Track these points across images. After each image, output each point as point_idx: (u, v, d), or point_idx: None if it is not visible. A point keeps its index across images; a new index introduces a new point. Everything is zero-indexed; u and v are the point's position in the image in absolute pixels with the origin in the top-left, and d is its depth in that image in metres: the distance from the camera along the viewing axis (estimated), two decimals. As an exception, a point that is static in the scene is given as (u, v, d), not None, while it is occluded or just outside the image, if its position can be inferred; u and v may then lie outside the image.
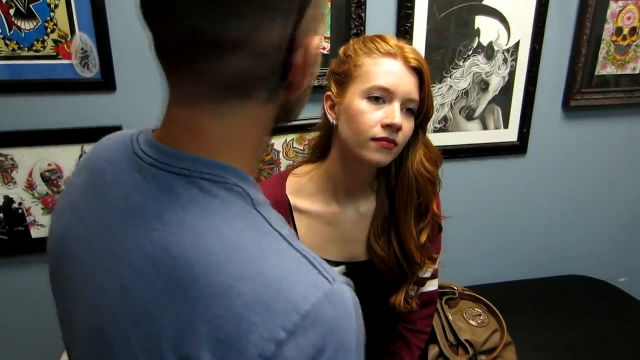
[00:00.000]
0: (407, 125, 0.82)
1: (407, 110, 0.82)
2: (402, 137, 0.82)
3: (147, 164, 0.43)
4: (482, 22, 1.39)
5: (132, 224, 0.42)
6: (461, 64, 1.41)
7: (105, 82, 1.25)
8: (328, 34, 1.31)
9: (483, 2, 1.37)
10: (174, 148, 0.43)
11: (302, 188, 0.93)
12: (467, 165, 1.55)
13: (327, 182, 0.91)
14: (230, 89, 0.40)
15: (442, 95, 1.43)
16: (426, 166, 0.88)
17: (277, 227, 0.41)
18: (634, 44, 1.48)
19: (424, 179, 0.88)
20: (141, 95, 1.28)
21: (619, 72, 1.51)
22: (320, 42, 0.43)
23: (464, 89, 1.44)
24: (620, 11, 1.44)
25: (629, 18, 1.45)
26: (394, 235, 0.91)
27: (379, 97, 0.80)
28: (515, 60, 1.44)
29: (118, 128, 1.27)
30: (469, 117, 1.48)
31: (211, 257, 0.38)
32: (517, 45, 1.43)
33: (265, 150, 1.37)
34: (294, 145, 1.41)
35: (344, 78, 0.84)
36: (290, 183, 0.93)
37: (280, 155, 1.41)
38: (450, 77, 1.42)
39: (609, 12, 1.43)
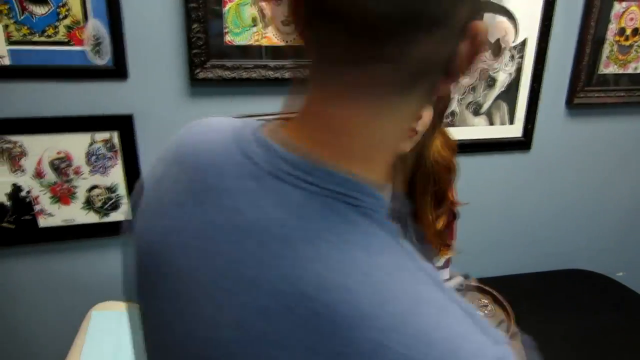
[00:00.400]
0: (427, 114, 0.83)
1: None
2: (421, 125, 0.83)
3: (266, 173, 0.36)
4: (490, 19, 1.41)
5: (249, 247, 0.35)
6: (470, 59, 1.43)
7: (118, 70, 1.24)
8: (341, 27, 1.32)
9: (492, -1, 1.39)
10: (300, 154, 0.36)
11: None
12: (472, 160, 1.57)
13: None
14: (410, 78, 0.34)
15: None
16: (443, 154, 0.89)
17: (426, 268, 0.35)
18: (636, 44, 1.52)
19: (441, 166, 0.89)
20: (153, 84, 1.27)
21: (621, 72, 1.55)
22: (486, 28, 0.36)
23: (471, 85, 1.46)
24: (623, 12, 1.48)
25: (631, 19, 1.49)
26: (411, 223, 0.92)
27: None
28: (522, 57, 1.47)
29: (129, 117, 1.27)
30: (476, 113, 1.50)
31: (358, 304, 0.31)
32: (524, 42, 1.45)
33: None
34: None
35: None
36: None
37: (290, 147, 1.42)
38: (458, 73, 1.44)
39: (612, 13, 1.47)
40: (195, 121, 0.49)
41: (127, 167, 1.32)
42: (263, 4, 1.26)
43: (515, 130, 1.55)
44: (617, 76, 1.56)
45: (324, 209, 0.34)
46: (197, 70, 1.26)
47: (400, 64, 0.33)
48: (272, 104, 1.36)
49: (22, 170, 1.27)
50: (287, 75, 1.32)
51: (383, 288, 0.32)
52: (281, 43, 1.31)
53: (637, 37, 1.51)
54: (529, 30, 1.44)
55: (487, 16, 1.40)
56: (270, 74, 1.31)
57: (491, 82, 1.47)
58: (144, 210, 0.46)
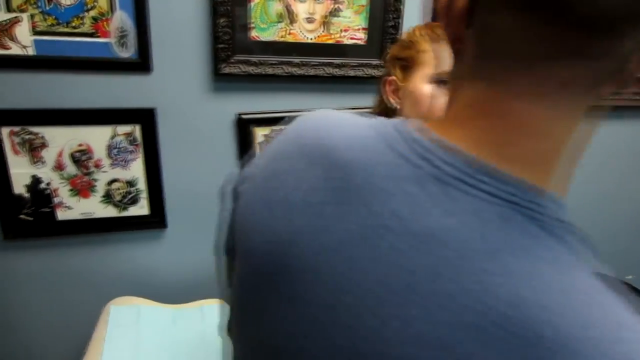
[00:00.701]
0: None
1: None
2: None
3: (429, 176, 0.34)
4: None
5: (424, 256, 0.32)
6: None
7: (142, 63, 1.23)
8: (365, 25, 1.32)
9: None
10: (467, 157, 0.34)
11: None
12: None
13: None
14: (606, 76, 0.32)
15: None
16: None
17: (615, 286, 0.32)
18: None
19: None
20: (177, 78, 1.27)
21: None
22: None
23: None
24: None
25: None
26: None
27: (446, 82, 0.82)
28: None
29: (151, 110, 1.26)
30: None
31: (561, 326, 0.28)
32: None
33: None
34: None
35: (409, 63, 0.85)
36: None
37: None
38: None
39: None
40: (311, 114, 0.46)
41: (147, 161, 1.31)
42: (290, 0, 1.26)
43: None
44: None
45: (501, 219, 0.32)
46: (222, 65, 1.26)
47: (604, 62, 0.31)
48: (296, 101, 1.36)
49: (43, 162, 1.25)
50: (312, 72, 1.32)
51: (584, 310, 0.29)
52: (307, 40, 1.31)
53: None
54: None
55: None
56: (295, 70, 1.31)
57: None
58: (255, 206, 0.43)
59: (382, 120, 0.41)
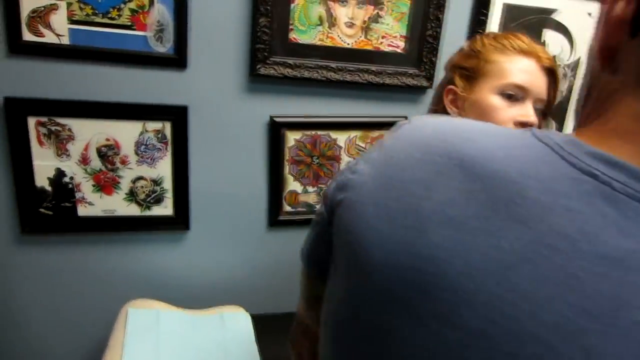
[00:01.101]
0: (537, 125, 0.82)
1: (535, 110, 0.82)
2: None
3: (624, 195, 0.31)
4: (549, 35, 1.42)
5: (612, 282, 0.30)
6: (525, 76, 1.44)
7: (178, 59, 1.20)
8: (405, 33, 1.31)
9: (552, 16, 1.40)
10: None
11: None
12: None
13: None
14: None
15: (503, 105, 1.45)
16: None
17: None
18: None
19: None
20: (212, 76, 1.24)
21: None
22: None
23: (524, 101, 1.46)
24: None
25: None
26: None
27: (513, 94, 0.80)
28: (574, 76, 1.47)
29: (184, 108, 1.23)
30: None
31: None
32: (577, 62, 1.46)
33: None
34: (357, 143, 1.39)
35: (472, 73, 0.83)
36: None
37: (342, 152, 1.39)
38: (513, 88, 1.44)
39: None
40: (427, 119, 0.43)
41: (176, 160, 1.27)
42: (331, 3, 1.24)
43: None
44: None
45: None
46: (259, 66, 1.23)
47: None
48: (331, 106, 1.34)
49: (68, 155, 1.21)
50: (348, 78, 1.29)
51: None
52: (345, 45, 1.28)
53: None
54: (585, 50, 1.45)
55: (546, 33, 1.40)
56: (332, 75, 1.29)
57: (543, 100, 1.48)
58: (369, 217, 0.39)
59: (517, 131, 0.38)
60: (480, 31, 1.34)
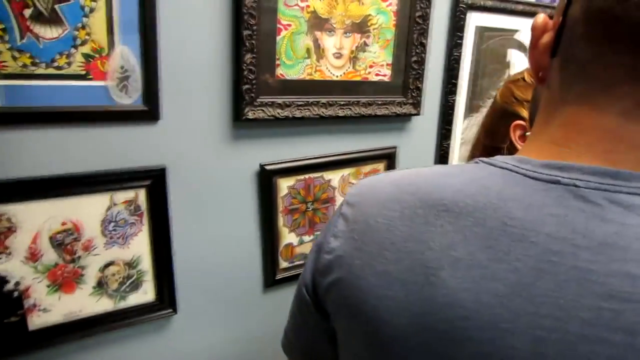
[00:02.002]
0: None
1: None
2: None
3: (592, 190, 0.36)
4: (513, 54, 1.45)
5: (619, 263, 0.33)
6: (494, 94, 1.45)
7: (148, 111, 0.96)
8: (390, 61, 1.22)
9: (514, 36, 1.43)
10: (607, 165, 0.37)
11: None
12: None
13: None
14: None
15: (478, 123, 1.45)
16: None
17: None
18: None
19: None
20: (191, 127, 1.02)
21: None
22: None
23: (494, 118, 1.48)
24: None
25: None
26: None
27: None
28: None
29: (160, 170, 1.00)
30: (496, 145, 1.52)
31: None
32: (534, 77, 1.53)
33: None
34: (350, 181, 1.27)
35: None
36: None
37: (336, 192, 1.26)
38: (486, 107, 1.45)
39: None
40: (388, 178, 0.48)
41: (154, 234, 1.03)
42: (318, 33, 1.10)
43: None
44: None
45: None
46: (247, 109, 1.05)
47: None
48: (323, 145, 1.20)
49: (9, 253, 0.90)
50: (340, 112, 1.17)
51: None
52: (334, 77, 1.16)
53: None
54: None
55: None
56: (324, 111, 1.15)
57: (509, 115, 1.51)
58: (369, 268, 0.42)
59: (469, 165, 0.44)
60: (457, 54, 1.32)
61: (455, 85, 1.35)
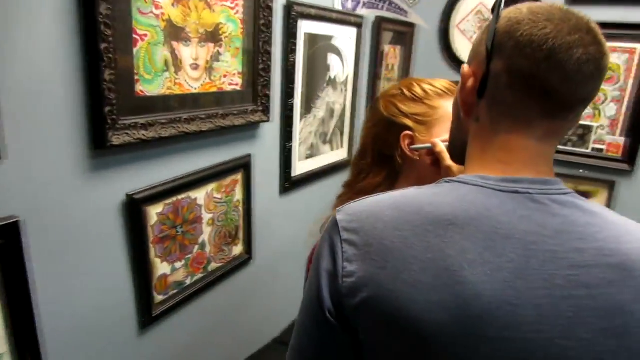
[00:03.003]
0: None
1: None
2: None
3: (540, 194, 0.51)
4: (332, 59, 1.59)
5: (583, 250, 0.48)
6: (321, 95, 1.58)
7: (-14, 150, 0.73)
8: (241, 70, 1.21)
9: (331, 42, 1.58)
10: (541, 176, 0.53)
11: None
12: (331, 182, 1.74)
13: None
14: (571, 125, 0.56)
15: (310, 124, 1.56)
16: None
17: None
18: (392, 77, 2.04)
19: None
20: (43, 164, 0.83)
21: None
22: None
23: (322, 117, 1.61)
24: (387, 53, 1.95)
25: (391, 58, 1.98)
26: None
27: None
28: (346, 90, 1.73)
29: (12, 225, 0.79)
30: (324, 142, 1.66)
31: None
32: (347, 79, 1.71)
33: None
34: (214, 196, 1.22)
35: (426, 119, 0.91)
36: None
37: (202, 210, 1.19)
38: (315, 107, 1.56)
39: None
40: (383, 202, 0.55)
41: (9, 299, 0.80)
42: (175, 43, 1.01)
43: (344, 153, 1.81)
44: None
45: (573, 199, 0.53)
46: (110, 134, 0.90)
47: (569, 124, 0.55)
48: (189, 163, 1.12)
49: None
50: (203, 127, 1.11)
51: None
52: (192, 90, 1.08)
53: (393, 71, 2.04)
54: (350, 67, 1.71)
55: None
56: (187, 127, 1.07)
57: (331, 113, 1.67)
58: (427, 289, 0.48)
59: (441, 185, 0.56)
60: (292, 60, 1.39)
61: (292, 89, 1.42)
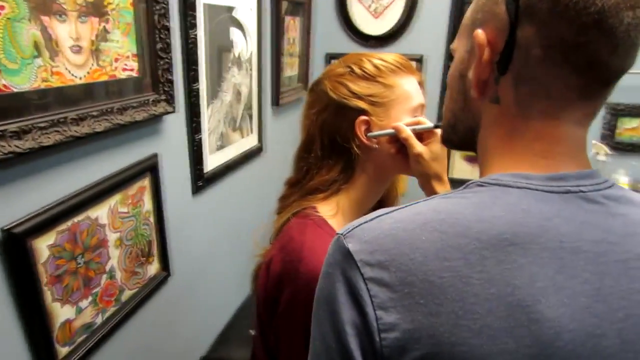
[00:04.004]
0: None
1: None
2: None
3: (592, 192, 0.43)
4: (235, 33, 1.39)
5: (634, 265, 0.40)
6: (227, 76, 1.38)
7: None
8: (136, 51, 0.97)
9: (233, 14, 1.37)
10: (584, 169, 0.44)
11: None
12: (244, 173, 1.55)
13: (356, 210, 0.83)
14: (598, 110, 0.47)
15: (218, 110, 1.35)
16: None
17: None
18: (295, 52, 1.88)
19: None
20: None
21: (294, 73, 1.89)
22: None
23: (230, 101, 1.41)
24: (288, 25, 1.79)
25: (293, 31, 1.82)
26: None
27: (418, 114, 0.82)
28: (251, 69, 1.53)
29: None
30: (234, 129, 1.47)
31: None
32: (251, 55, 1.52)
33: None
34: (119, 210, 0.98)
35: (382, 99, 0.78)
36: (337, 228, 0.78)
37: (107, 230, 0.95)
38: (221, 91, 1.36)
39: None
40: (408, 221, 0.43)
41: None
42: (46, 19, 0.75)
43: (255, 139, 1.63)
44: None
45: (622, 193, 0.45)
46: (-33, 151, 0.63)
47: (603, 100, 0.45)
48: (80, 174, 0.88)
49: None
50: (97, 127, 0.86)
51: None
52: (77, 81, 0.83)
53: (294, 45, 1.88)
54: (254, 44, 1.52)
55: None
56: (77, 130, 0.82)
57: (239, 96, 1.47)
58: (481, 325, 0.38)
59: (475, 190, 0.45)
60: (193, 36, 1.17)
61: (196, 71, 1.20)
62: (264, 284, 0.76)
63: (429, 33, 2.07)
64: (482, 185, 0.44)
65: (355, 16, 2.08)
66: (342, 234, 0.44)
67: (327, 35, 2.15)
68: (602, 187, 0.44)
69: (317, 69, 2.20)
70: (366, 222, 0.44)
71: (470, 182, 0.46)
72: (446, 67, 2.07)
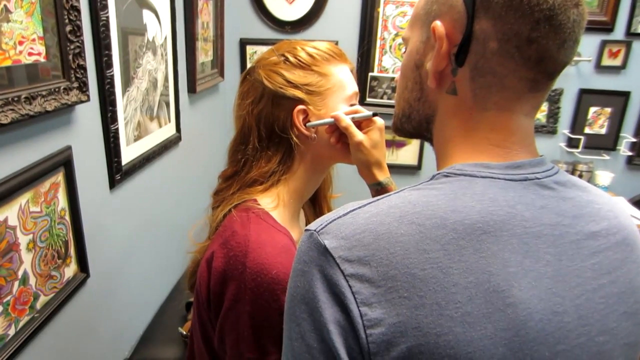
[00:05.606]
0: None
1: None
2: None
3: (545, 178, 0.46)
4: (147, 16, 1.30)
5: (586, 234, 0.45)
6: (141, 62, 1.29)
7: None
8: (41, 33, 0.87)
9: (145, -5, 1.28)
10: (535, 157, 0.48)
11: (286, 218, 0.80)
12: (162, 164, 1.47)
13: (296, 200, 0.83)
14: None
15: (134, 98, 1.27)
16: None
17: None
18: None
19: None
20: None
21: (208, 59, 1.82)
22: None
23: (145, 88, 1.33)
24: (201, 9, 1.71)
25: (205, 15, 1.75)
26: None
27: (354, 102, 0.83)
28: (166, 54, 1.45)
29: None
30: (151, 118, 1.39)
31: None
32: (165, 40, 1.44)
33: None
34: (31, 209, 0.89)
35: (319, 88, 0.78)
36: (279, 219, 0.77)
37: (17, 232, 0.86)
38: (137, 77, 1.27)
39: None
40: (389, 216, 0.43)
41: None
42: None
43: (173, 128, 1.56)
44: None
45: (568, 179, 0.49)
46: None
47: (546, 94, 0.49)
48: (38, 150, 0.79)
49: None
50: (3, 119, 0.77)
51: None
52: (24, 58, 0.73)
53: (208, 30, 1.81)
54: (168, 28, 1.44)
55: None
56: (30, 109, 0.74)
57: (155, 83, 1.39)
58: (462, 313, 0.39)
59: (442, 178, 0.47)
60: (105, 18, 1.08)
61: (110, 56, 1.11)
62: (205, 282, 0.73)
63: (342, 18, 2.11)
64: (448, 176, 0.46)
65: (268, 1, 2.06)
66: (315, 230, 0.43)
67: (241, 20, 2.11)
68: (552, 173, 0.47)
69: (231, 55, 2.15)
70: (339, 217, 0.44)
71: (437, 173, 0.48)
72: (360, 52, 2.13)
